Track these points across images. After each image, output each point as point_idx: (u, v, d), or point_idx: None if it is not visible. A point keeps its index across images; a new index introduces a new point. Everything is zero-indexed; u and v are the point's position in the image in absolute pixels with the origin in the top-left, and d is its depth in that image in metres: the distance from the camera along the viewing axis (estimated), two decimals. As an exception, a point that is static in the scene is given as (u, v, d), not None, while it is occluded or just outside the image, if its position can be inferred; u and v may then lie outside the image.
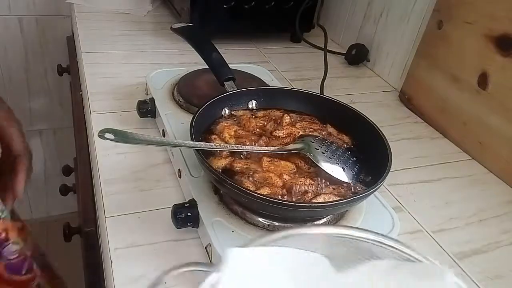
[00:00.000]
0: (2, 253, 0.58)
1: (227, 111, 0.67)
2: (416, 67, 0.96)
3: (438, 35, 0.89)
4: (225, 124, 0.64)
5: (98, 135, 0.48)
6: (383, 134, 0.59)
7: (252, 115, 0.67)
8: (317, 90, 0.95)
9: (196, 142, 0.54)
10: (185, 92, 0.77)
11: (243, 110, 0.68)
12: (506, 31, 0.75)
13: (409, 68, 0.98)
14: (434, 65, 0.91)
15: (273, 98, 0.69)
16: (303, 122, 0.65)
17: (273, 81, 0.87)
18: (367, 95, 1.02)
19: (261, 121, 0.65)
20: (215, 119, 0.65)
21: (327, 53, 1.11)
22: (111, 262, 0.52)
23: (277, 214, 0.51)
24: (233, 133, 0.62)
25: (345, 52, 1.15)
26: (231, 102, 0.67)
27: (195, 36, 0.76)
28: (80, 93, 0.89)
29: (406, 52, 1.01)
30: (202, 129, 0.62)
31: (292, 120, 0.66)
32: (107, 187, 0.63)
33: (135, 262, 0.53)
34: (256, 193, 0.49)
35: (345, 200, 0.51)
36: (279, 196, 0.52)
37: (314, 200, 0.51)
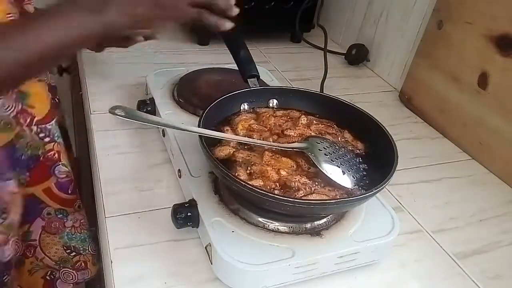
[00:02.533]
0: (54, 170, 0.67)
1: (246, 106, 0.67)
2: (416, 67, 0.96)
3: (438, 35, 0.89)
4: (244, 117, 0.64)
5: (109, 111, 0.50)
6: (392, 139, 0.58)
7: (274, 113, 0.67)
8: (317, 90, 0.94)
9: (199, 128, 0.54)
10: (185, 92, 0.77)
11: (265, 107, 0.68)
12: (506, 31, 0.75)
13: (409, 68, 0.98)
14: (434, 65, 0.91)
15: (295, 99, 0.69)
16: (320, 125, 0.65)
17: (273, 81, 0.87)
18: (367, 95, 1.02)
19: (281, 120, 0.65)
20: (232, 113, 0.65)
21: (327, 53, 1.11)
22: (111, 262, 0.52)
23: (264, 205, 0.51)
24: (247, 126, 0.62)
25: (345, 52, 1.15)
26: (252, 98, 0.67)
27: (230, 33, 0.75)
28: (80, 93, 0.89)
29: (406, 52, 1.01)
30: (218, 118, 0.63)
31: (308, 121, 0.65)
32: (107, 187, 0.63)
33: (135, 262, 0.53)
34: (244, 181, 0.49)
35: (334, 201, 0.51)
36: (271, 189, 0.52)
37: (305, 198, 0.51)
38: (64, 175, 0.69)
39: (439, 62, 0.89)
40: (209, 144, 0.54)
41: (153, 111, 0.76)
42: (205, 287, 0.51)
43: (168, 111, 0.74)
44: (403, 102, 0.99)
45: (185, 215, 0.54)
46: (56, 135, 0.67)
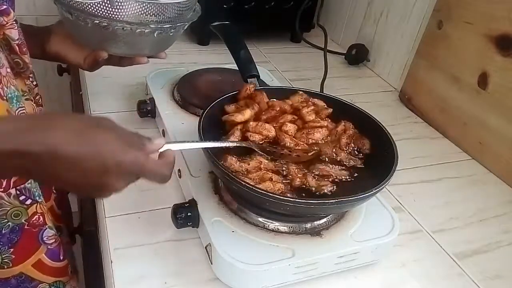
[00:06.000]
0: (42, 238, 0.57)
1: None
2: (416, 67, 0.96)
3: (438, 35, 0.89)
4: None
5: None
6: (392, 139, 0.58)
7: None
8: (317, 90, 0.94)
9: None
10: (185, 92, 0.77)
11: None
12: (506, 31, 0.75)
13: (409, 68, 0.98)
14: (434, 65, 0.91)
15: None
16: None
17: (273, 81, 0.87)
18: (367, 95, 1.02)
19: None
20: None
21: (327, 53, 1.11)
22: (111, 262, 0.52)
23: (264, 205, 0.51)
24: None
25: (345, 52, 1.15)
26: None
27: (230, 33, 0.76)
28: (80, 93, 0.89)
29: (406, 52, 1.01)
30: (219, 118, 0.62)
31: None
32: (107, 187, 0.63)
33: (135, 262, 0.53)
34: (244, 181, 0.48)
35: (334, 201, 0.51)
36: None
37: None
38: (53, 240, 0.58)
39: (439, 62, 0.89)
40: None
41: (153, 111, 0.76)
42: (205, 287, 0.51)
43: (168, 111, 0.74)
44: (403, 102, 0.99)
45: (185, 215, 0.54)
46: (36, 194, 0.55)
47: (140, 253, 0.54)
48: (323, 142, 0.60)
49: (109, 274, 0.51)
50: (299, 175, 0.54)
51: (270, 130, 0.60)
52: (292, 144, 0.59)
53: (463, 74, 0.84)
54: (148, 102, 0.76)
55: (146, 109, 0.76)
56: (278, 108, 0.63)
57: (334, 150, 0.59)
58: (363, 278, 0.55)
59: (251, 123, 0.60)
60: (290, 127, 0.61)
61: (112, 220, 0.58)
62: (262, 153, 0.56)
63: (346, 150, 0.60)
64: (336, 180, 0.55)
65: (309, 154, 0.58)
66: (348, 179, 0.56)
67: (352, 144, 0.61)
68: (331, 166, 0.57)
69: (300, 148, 0.59)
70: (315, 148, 0.59)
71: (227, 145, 0.56)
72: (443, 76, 0.88)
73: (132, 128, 0.76)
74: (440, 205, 0.71)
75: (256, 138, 0.59)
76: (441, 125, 0.90)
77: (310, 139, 0.60)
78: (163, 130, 0.72)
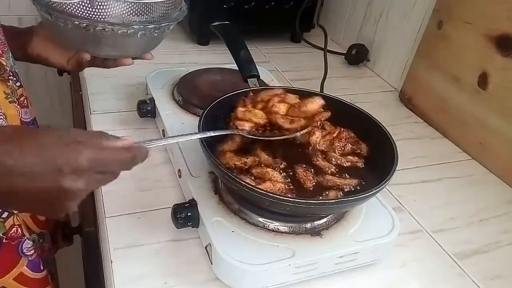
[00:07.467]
0: (22, 250, 0.56)
1: None
2: (416, 67, 0.96)
3: (438, 35, 0.89)
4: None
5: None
6: (391, 137, 0.59)
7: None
8: (317, 90, 0.94)
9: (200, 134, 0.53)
10: (185, 92, 0.77)
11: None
12: (506, 31, 0.75)
13: (409, 68, 0.98)
14: (434, 65, 0.91)
15: None
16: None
17: (273, 81, 0.87)
18: (367, 95, 1.02)
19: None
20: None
21: (327, 53, 1.11)
22: (111, 262, 0.52)
23: (265, 205, 0.51)
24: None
25: (345, 52, 1.15)
26: None
27: (230, 33, 0.76)
28: (80, 93, 0.89)
29: (406, 52, 1.01)
30: (218, 118, 0.62)
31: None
32: (107, 187, 0.63)
33: (135, 262, 0.53)
34: (244, 181, 0.49)
35: (334, 201, 0.51)
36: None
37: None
38: (33, 251, 0.57)
39: (439, 62, 0.89)
40: (209, 144, 0.54)
41: (153, 111, 0.76)
42: (205, 287, 0.51)
43: (168, 111, 0.74)
44: (403, 102, 0.99)
45: (185, 215, 0.54)
46: None
47: (140, 253, 0.54)
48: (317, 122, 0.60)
49: (109, 274, 0.51)
50: (309, 177, 0.54)
51: (260, 116, 0.59)
52: (287, 123, 0.57)
53: (463, 74, 0.84)
54: (148, 102, 0.76)
55: (146, 109, 0.76)
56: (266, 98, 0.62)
57: (330, 157, 0.59)
58: (363, 278, 0.55)
59: (239, 109, 0.59)
60: (281, 107, 0.59)
61: (112, 220, 0.58)
62: (253, 137, 0.56)
63: (342, 152, 0.60)
64: (344, 189, 0.55)
65: (302, 131, 0.57)
66: (358, 188, 0.55)
67: (349, 146, 0.61)
68: (338, 177, 0.56)
69: (295, 125, 0.58)
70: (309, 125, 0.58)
71: (210, 135, 0.53)
72: (443, 76, 0.88)
73: (132, 128, 0.76)
74: (440, 205, 0.71)
75: (246, 126, 0.58)
76: (441, 125, 0.90)
77: (304, 112, 0.59)
78: (163, 130, 0.72)
